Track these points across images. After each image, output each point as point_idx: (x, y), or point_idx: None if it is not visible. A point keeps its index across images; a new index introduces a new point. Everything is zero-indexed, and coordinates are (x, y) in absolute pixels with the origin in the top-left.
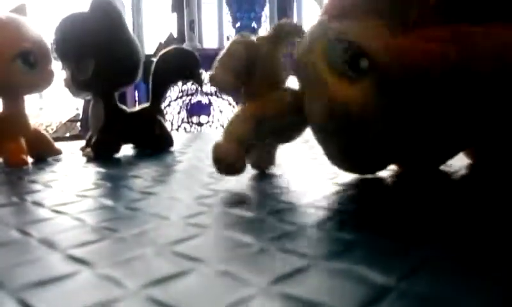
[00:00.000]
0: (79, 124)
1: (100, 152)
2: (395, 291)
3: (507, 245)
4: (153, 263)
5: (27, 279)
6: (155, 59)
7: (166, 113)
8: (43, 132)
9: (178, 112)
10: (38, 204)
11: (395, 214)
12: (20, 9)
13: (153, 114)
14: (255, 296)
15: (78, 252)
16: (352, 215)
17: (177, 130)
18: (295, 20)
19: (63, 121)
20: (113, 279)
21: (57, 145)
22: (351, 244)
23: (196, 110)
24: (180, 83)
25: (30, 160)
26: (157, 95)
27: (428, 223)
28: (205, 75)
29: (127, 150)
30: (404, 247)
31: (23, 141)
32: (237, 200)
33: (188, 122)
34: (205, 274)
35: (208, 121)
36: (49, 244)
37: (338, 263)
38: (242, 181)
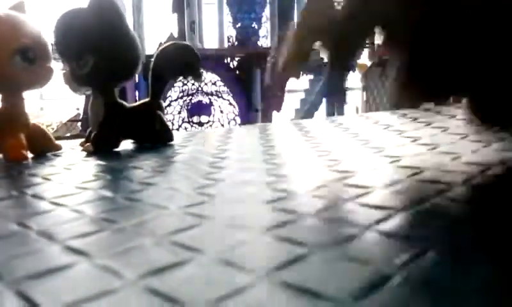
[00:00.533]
0: (79, 124)
1: (100, 147)
2: (396, 278)
3: (507, 234)
4: (152, 253)
5: (26, 270)
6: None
7: (167, 113)
8: (43, 127)
9: (179, 112)
10: (37, 197)
11: (395, 202)
12: (19, 7)
13: (153, 108)
14: (254, 284)
15: (77, 244)
16: (352, 204)
17: (178, 130)
18: (296, 20)
19: (64, 121)
20: (112, 270)
21: (57, 142)
22: (350, 232)
23: (197, 110)
24: (180, 83)
25: (30, 155)
26: (157, 90)
27: (427, 210)
28: (206, 75)
29: (126, 144)
30: (405, 235)
31: (23, 137)
32: (236, 190)
33: (188, 122)
34: (204, 263)
35: (208, 121)
36: (48, 235)
37: (338, 251)
38: (242, 171)
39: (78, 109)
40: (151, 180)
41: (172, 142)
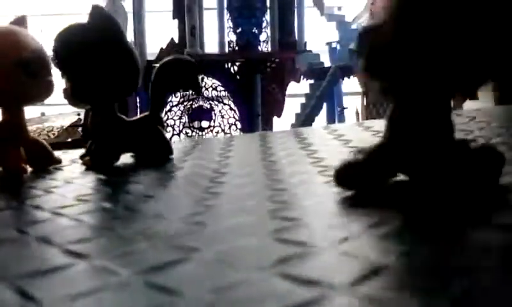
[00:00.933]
0: (80, 129)
1: (99, 161)
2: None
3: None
4: (150, 255)
5: (25, 270)
6: (155, 67)
7: (168, 118)
8: (43, 141)
9: (180, 117)
10: (37, 207)
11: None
12: (20, 21)
13: (153, 123)
14: (253, 276)
15: (75, 248)
16: (352, 204)
17: (178, 135)
18: (296, 25)
19: (65, 127)
20: (109, 269)
21: (58, 153)
22: (351, 234)
23: (198, 115)
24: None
25: (29, 169)
26: (157, 104)
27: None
28: (206, 80)
29: (126, 158)
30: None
31: (22, 150)
32: (237, 202)
33: (189, 127)
34: (202, 261)
35: (209, 126)
36: (47, 241)
37: (337, 248)
38: (243, 186)
39: (79, 115)
40: (151, 193)
41: (172, 156)
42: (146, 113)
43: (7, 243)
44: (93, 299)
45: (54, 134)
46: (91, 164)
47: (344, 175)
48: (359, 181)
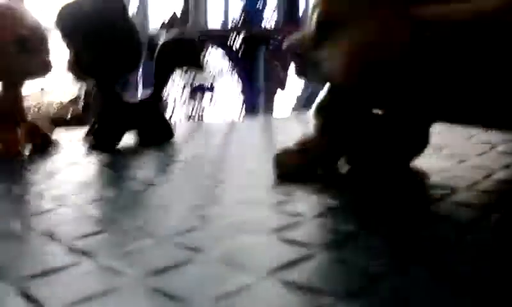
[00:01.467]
0: (80, 105)
1: (102, 141)
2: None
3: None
4: (154, 254)
5: (29, 270)
6: (157, 44)
7: (168, 95)
8: (39, 123)
9: (181, 91)
10: (40, 195)
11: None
12: None
13: (154, 104)
14: (256, 283)
15: (79, 244)
16: (349, 208)
17: (180, 109)
18: (301, 2)
19: (64, 102)
20: (114, 270)
21: (59, 130)
22: (349, 234)
23: (200, 88)
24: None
25: (26, 151)
26: (159, 85)
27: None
28: (210, 49)
29: (128, 140)
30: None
31: (19, 132)
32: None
33: (192, 98)
34: (206, 263)
35: (211, 99)
36: (50, 235)
37: (337, 252)
38: (244, 173)
39: (80, 89)
40: (154, 180)
41: (173, 138)
42: (148, 93)
43: (10, 238)
44: (97, 303)
45: (54, 109)
46: (93, 144)
47: (281, 162)
48: (294, 167)
